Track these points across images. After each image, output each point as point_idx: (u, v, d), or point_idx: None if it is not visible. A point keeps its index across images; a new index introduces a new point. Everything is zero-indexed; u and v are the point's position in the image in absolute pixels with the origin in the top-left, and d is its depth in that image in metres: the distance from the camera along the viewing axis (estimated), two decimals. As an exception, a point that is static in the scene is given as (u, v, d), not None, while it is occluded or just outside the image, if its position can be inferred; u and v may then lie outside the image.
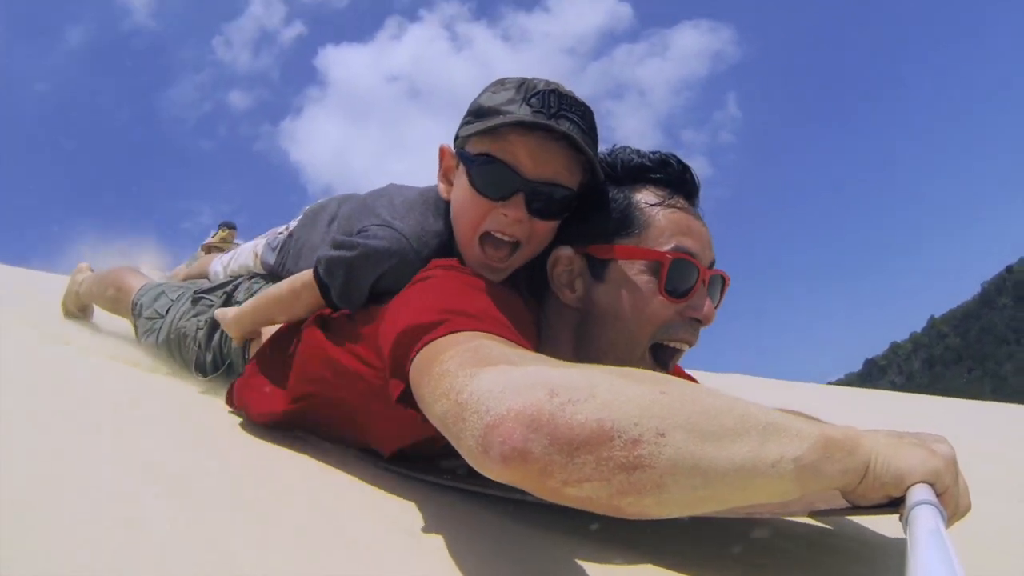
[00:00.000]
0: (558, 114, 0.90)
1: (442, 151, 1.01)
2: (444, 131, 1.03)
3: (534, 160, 0.90)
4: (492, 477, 0.55)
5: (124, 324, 1.92)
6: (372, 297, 1.02)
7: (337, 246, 1.03)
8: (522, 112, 0.89)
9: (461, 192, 0.96)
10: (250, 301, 1.21)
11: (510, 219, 0.91)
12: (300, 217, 1.48)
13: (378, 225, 1.02)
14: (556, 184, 0.92)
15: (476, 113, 0.94)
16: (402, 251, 0.99)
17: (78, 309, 2.14)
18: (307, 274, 1.10)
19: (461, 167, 0.96)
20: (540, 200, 0.92)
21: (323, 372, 1.00)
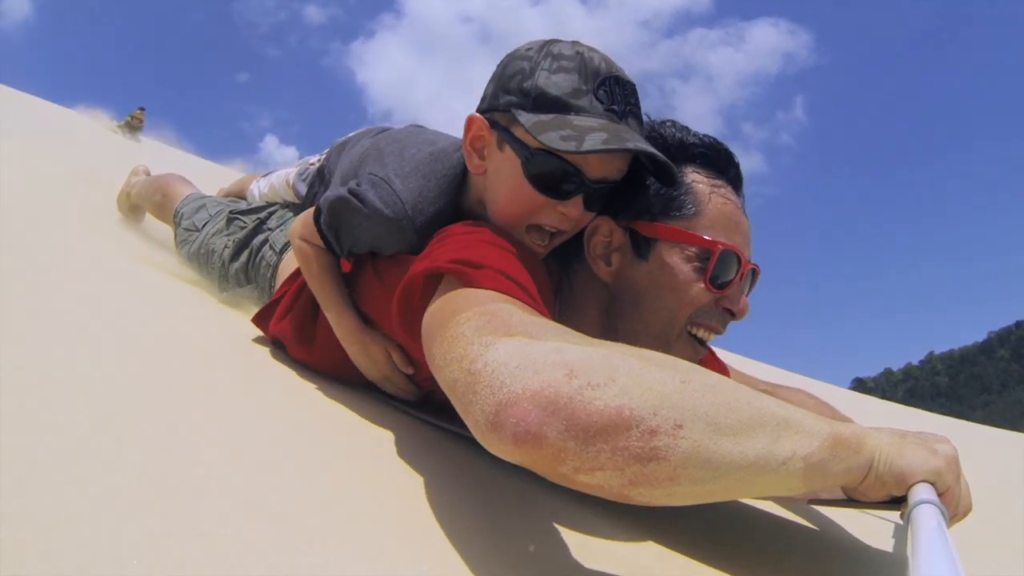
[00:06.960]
0: (626, 111, 0.86)
1: (472, 121, 0.91)
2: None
3: (603, 164, 0.86)
4: (499, 455, 0.54)
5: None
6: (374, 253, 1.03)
7: (333, 190, 1.03)
8: (600, 127, 0.82)
9: (510, 180, 0.87)
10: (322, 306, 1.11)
11: (568, 217, 0.88)
12: (328, 150, 1.49)
13: (379, 179, 0.98)
14: (612, 181, 0.89)
15: (538, 101, 0.84)
16: (395, 217, 0.95)
17: (129, 210, 2.24)
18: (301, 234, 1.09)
19: (507, 150, 0.87)
20: (595, 196, 0.88)
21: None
